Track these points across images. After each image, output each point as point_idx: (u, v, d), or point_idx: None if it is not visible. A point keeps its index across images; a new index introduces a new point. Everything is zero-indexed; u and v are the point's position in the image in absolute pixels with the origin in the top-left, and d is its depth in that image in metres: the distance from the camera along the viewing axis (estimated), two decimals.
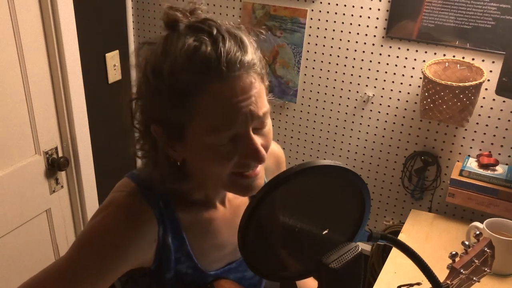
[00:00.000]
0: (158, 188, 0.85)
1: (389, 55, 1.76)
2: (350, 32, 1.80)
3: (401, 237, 1.66)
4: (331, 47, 1.85)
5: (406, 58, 1.74)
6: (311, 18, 1.85)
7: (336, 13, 1.80)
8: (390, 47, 1.75)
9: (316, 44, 1.88)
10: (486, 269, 0.98)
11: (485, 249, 0.99)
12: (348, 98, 1.89)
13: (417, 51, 1.71)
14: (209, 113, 0.74)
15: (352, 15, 1.77)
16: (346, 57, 1.84)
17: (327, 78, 1.90)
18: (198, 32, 0.75)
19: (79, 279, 0.79)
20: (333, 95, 1.92)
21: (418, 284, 0.92)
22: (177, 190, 0.87)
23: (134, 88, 0.84)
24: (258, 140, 0.77)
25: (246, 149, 0.76)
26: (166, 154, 0.82)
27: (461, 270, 0.93)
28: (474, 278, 0.96)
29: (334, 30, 1.83)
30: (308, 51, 1.90)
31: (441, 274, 0.83)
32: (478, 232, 1.01)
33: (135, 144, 0.86)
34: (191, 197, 0.90)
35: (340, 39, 1.83)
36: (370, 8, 1.74)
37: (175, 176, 0.84)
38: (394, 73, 1.78)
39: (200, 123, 0.76)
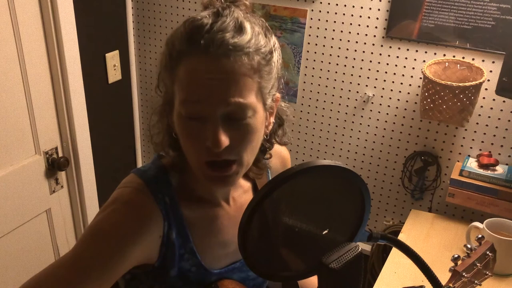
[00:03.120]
0: (169, 177, 0.87)
1: (389, 55, 1.76)
2: (350, 32, 1.80)
3: (401, 237, 1.66)
4: (331, 47, 1.85)
5: (406, 58, 1.74)
6: (311, 18, 1.85)
7: (336, 13, 1.80)
8: (390, 47, 1.75)
9: (316, 44, 1.88)
10: (487, 272, 0.98)
11: (487, 252, 0.99)
12: (348, 98, 1.89)
13: (417, 51, 1.71)
14: (184, 83, 0.77)
15: (352, 15, 1.78)
16: (346, 57, 1.84)
17: (327, 78, 1.90)
18: (214, 11, 0.78)
19: (85, 274, 0.79)
20: (333, 95, 1.92)
21: (421, 287, 0.92)
22: (180, 184, 0.88)
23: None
24: (227, 131, 0.76)
25: (207, 131, 0.76)
26: (169, 124, 0.86)
27: (463, 273, 0.93)
28: (476, 282, 0.96)
29: (334, 30, 1.83)
30: (308, 51, 1.90)
31: (441, 274, 0.83)
32: (480, 236, 1.01)
33: (153, 118, 0.89)
34: (195, 193, 0.90)
35: (340, 39, 1.83)
36: (370, 8, 1.74)
37: (173, 149, 0.87)
38: (394, 73, 1.78)
39: (178, 92, 0.78)
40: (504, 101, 1.64)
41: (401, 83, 1.78)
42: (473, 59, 1.63)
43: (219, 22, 0.75)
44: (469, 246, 0.98)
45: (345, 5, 1.77)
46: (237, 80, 0.75)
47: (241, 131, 0.77)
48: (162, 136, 0.88)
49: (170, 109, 0.82)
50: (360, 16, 1.76)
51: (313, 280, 0.72)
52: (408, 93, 1.78)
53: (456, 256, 0.94)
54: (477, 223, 1.52)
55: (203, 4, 0.81)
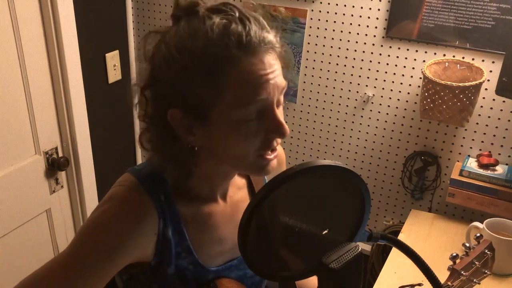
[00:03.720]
0: (164, 175, 0.86)
1: (389, 55, 1.76)
2: (350, 32, 1.80)
3: (401, 237, 1.66)
4: (331, 47, 1.85)
5: (406, 58, 1.74)
6: (311, 18, 1.85)
7: (336, 13, 1.80)
8: (390, 47, 1.75)
9: (316, 44, 1.88)
10: (486, 271, 0.99)
11: (486, 251, 0.99)
12: (348, 98, 1.89)
13: (417, 51, 1.71)
14: (240, 86, 0.77)
15: (352, 15, 1.78)
16: (346, 57, 1.84)
17: (327, 78, 1.90)
18: (221, 13, 0.78)
19: (80, 272, 0.79)
20: (333, 95, 1.92)
21: (420, 285, 0.92)
22: (179, 184, 0.88)
23: (140, 79, 0.84)
24: (280, 115, 0.81)
25: (272, 123, 0.79)
26: (180, 141, 0.83)
27: (462, 272, 0.93)
28: (474, 280, 0.97)
29: (334, 30, 1.83)
30: (308, 51, 1.90)
31: (441, 274, 0.83)
32: (478, 234, 1.01)
33: (142, 135, 0.86)
34: (192, 191, 0.91)
35: (340, 39, 1.83)
36: (370, 8, 1.74)
37: (186, 163, 0.86)
38: (394, 73, 1.78)
39: (229, 99, 0.77)
40: (504, 101, 1.64)
41: (401, 83, 1.78)
42: (473, 59, 1.63)
43: (247, 21, 0.77)
44: (467, 244, 0.98)
45: (345, 5, 1.77)
46: (279, 67, 0.80)
47: (281, 112, 0.84)
48: (176, 158, 0.84)
49: (194, 122, 0.80)
50: (360, 16, 1.76)
51: (313, 280, 0.72)
52: (408, 93, 1.78)
53: (454, 254, 0.95)
54: (477, 223, 1.52)
55: (187, 7, 0.79)
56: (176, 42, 0.78)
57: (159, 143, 0.85)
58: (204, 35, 0.76)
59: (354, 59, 1.83)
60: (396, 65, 1.76)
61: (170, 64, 0.78)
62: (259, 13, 0.83)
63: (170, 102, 0.80)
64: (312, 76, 1.93)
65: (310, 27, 1.87)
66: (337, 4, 1.79)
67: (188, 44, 0.77)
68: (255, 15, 0.81)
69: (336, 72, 1.88)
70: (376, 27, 1.75)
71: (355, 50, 1.81)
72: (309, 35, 1.88)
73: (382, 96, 1.82)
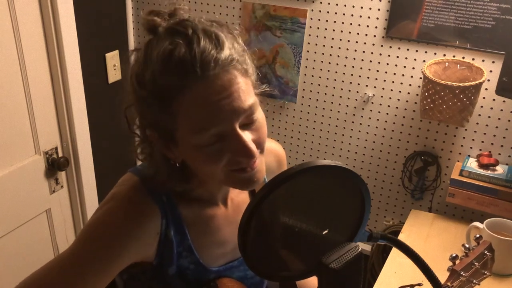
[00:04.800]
0: (162, 188, 0.85)
1: (389, 55, 1.76)
2: (350, 32, 1.80)
3: (401, 237, 1.66)
4: (331, 47, 1.85)
5: (406, 58, 1.74)
6: (311, 18, 1.85)
7: (336, 13, 1.80)
8: (390, 47, 1.75)
9: (316, 44, 1.88)
10: (486, 272, 0.99)
11: (485, 252, 0.99)
12: (348, 98, 1.89)
13: (417, 51, 1.71)
14: (190, 115, 0.75)
15: (352, 15, 1.77)
16: (346, 57, 1.84)
17: (327, 78, 1.90)
18: (174, 35, 0.75)
19: (82, 271, 0.79)
20: (333, 95, 1.92)
21: (419, 285, 0.92)
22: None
23: (128, 95, 0.84)
24: (248, 136, 0.77)
25: (234, 146, 0.76)
26: (166, 157, 0.83)
27: (462, 273, 0.93)
28: (474, 281, 0.97)
29: (334, 30, 1.83)
30: (308, 51, 1.90)
31: (441, 274, 0.83)
32: (478, 235, 1.01)
33: (136, 149, 0.87)
34: (193, 193, 0.91)
35: (340, 39, 1.83)
36: (370, 8, 1.74)
37: (177, 178, 0.85)
38: (394, 73, 1.78)
39: (184, 125, 0.76)
40: (504, 101, 1.64)
41: (401, 83, 1.78)
42: (473, 59, 1.63)
43: (195, 44, 0.73)
44: (467, 245, 0.98)
45: (345, 5, 1.77)
46: (241, 86, 0.75)
47: (257, 130, 0.79)
48: (166, 172, 0.84)
49: (167, 140, 0.80)
50: (360, 16, 1.76)
51: (313, 280, 0.72)
52: (408, 93, 1.78)
53: (454, 255, 0.95)
54: (477, 223, 1.52)
55: (148, 27, 0.78)
56: (135, 70, 0.79)
57: (151, 157, 0.85)
58: (151, 65, 0.75)
59: (354, 59, 1.83)
60: (396, 65, 1.76)
61: (134, 92, 0.80)
62: (220, 27, 0.78)
63: (146, 123, 0.82)
64: (312, 76, 1.93)
65: (310, 27, 1.86)
66: (337, 4, 1.79)
67: (141, 74, 0.77)
68: (211, 30, 0.75)
69: (336, 72, 1.88)
70: (376, 27, 1.75)
71: (355, 50, 1.81)
72: (309, 35, 1.88)
73: (382, 96, 1.82)
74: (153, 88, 0.75)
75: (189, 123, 0.75)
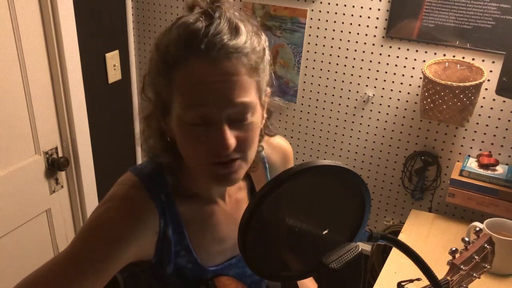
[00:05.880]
0: (160, 186, 0.86)
1: (389, 55, 1.76)
2: (350, 32, 1.80)
3: (401, 237, 1.66)
4: (331, 47, 1.85)
5: (406, 58, 1.74)
6: (311, 18, 1.85)
7: (336, 13, 1.80)
8: (390, 47, 1.75)
9: (316, 44, 1.88)
10: (486, 265, 0.98)
11: (485, 245, 0.99)
12: (348, 98, 1.89)
13: (417, 51, 1.71)
14: (184, 88, 0.76)
15: (352, 15, 1.77)
16: (346, 57, 1.84)
17: (327, 78, 1.90)
18: (203, 14, 0.77)
19: (81, 271, 0.79)
20: (333, 95, 1.92)
21: (418, 279, 0.92)
22: (176, 182, 0.89)
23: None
24: (232, 132, 0.77)
25: (213, 134, 0.76)
26: (162, 129, 0.85)
27: (461, 266, 0.93)
28: (474, 274, 0.96)
29: (334, 30, 1.83)
30: (308, 51, 1.90)
31: (441, 274, 0.83)
32: (478, 229, 1.01)
33: (143, 115, 0.89)
34: (190, 190, 0.91)
35: (340, 39, 1.83)
36: (370, 8, 1.74)
37: (170, 152, 0.86)
38: (394, 73, 1.78)
39: (177, 98, 0.78)
40: (504, 101, 1.64)
41: (401, 83, 1.78)
42: (473, 59, 1.63)
43: (214, 25, 0.74)
44: (466, 239, 0.98)
45: (345, 5, 1.77)
46: (240, 80, 0.76)
47: (245, 130, 0.79)
48: (154, 141, 0.87)
49: (164, 113, 0.82)
50: (360, 16, 1.76)
51: (310, 282, 0.73)
52: (408, 93, 1.78)
53: (453, 249, 0.94)
54: (477, 223, 1.53)
55: (188, 5, 0.80)
56: (158, 37, 0.81)
57: (149, 134, 0.88)
58: (170, 32, 0.78)
59: (354, 59, 1.83)
60: (396, 65, 1.76)
61: (151, 58, 0.82)
62: (248, 21, 0.79)
63: (152, 91, 0.84)
64: (312, 76, 1.93)
65: (310, 27, 1.86)
66: (337, 4, 1.79)
67: (161, 38, 0.80)
68: (235, 20, 0.76)
69: (336, 72, 1.88)
70: (376, 27, 1.75)
71: (355, 50, 1.81)
72: (309, 35, 1.88)
73: (382, 96, 1.82)
74: (163, 52, 0.78)
75: (181, 96, 0.77)
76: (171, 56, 0.76)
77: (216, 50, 0.74)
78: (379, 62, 1.79)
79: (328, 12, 1.81)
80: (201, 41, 0.73)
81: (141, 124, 0.90)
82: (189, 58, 0.75)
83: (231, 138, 0.76)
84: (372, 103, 1.85)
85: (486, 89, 1.64)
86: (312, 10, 1.84)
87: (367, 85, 1.84)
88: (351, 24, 1.79)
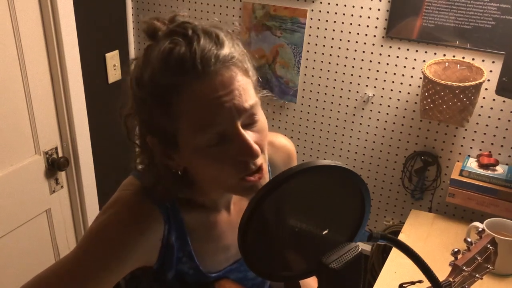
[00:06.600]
0: (164, 196, 0.84)
1: (389, 55, 1.76)
2: (350, 32, 1.80)
3: (401, 237, 1.66)
4: (331, 47, 1.85)
5: (406, 58, 1.74)
6: (311, 18, 1.85)
7: (336, 13, 1.80)
8: (390, 47, 1.75)
9: (316, 44, 1.88)
10: (489, 266, 0.98)
11: (488, 246, 0.98)
12: (348, 98, 1.89)
13: (417, 51, 1.71)
14: (192, 113, 0.74)
15: (352, 15, 1.77)
16: (346, 57, 1.84)
17: (327, 78, 1.90)
18: (173, 36, 0.75)
19: (84, 277, 0.79)
20: (333, 95, 1.92)
21: (420, 282, 0.92)
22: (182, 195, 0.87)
23: (128, 103, 0.84)
24: (250, 135, 0.76)
25: (238, 146, 0.75)
26: (166, 165, 0.82)
27: (464, 267, 0.93)
28: (477, 275, 0.96)
29: (334, 30, 1.83)
30: (308, 51, 1.90)
31: (442, 274, 0.83)
32: (480, 229, 1.00)
33: (135, 159, 0.86)
34: (196, 201, 0.90)
35: (340, 39, 1.83)
36: (370, 8, 1.74)
37: (179, 186, 0.84)
38: (394, 73, 1.78)
39: (186, 125, 0.75)
40: (504, 101, 1.64)
41: (401, 83, 1.78)
42: (473, 59, 1.63)
43: (195, 42, 0.72)
44: (469, 240, 0.97)
45: (345, 5, 1.77)
46: (241, 85, 0.75)
47: (258, 131, 0.78)
48: (166, 182, 0.83)
49: (170, 147, 0.79)
50: (360, 16, 1.76)
51: (311, 281, 0.72)
52: (408, 93, 1.78)
53: (456, 250, 0.94)
54: (477, 223, 1.53)
55: (147, 33, 0.78)
56: (135, 74, 0.78)
57: (151, 167, 0.84)
58: (150, 65, 0.74)
59: (354, 59, 1.83)
60: (396, 65, 1.76)
61: (134, 96, 0.79)
62: (219, 28, 0.77)
63: (146, 130, 0.81)
64: (312, 76, 1.93)
65: (310, 27, 1.86)
66: (337, 4, 1.79)
67: (140, 76, 0.76)
68: (211, 30, 0.75)
69: (336, 72, 1.88)
70: (376, 27, 1.75)
71: (355, 50, 1.81)
72: (309, 35, 1.88)
73: (382, 96, 1.82)
74: (153, 88, 0.75)
75: (190, 122, 0.74)
76: (164, 90, 0.73)
77: (212, 64, 0.72)
78: (379, 62, 1.79)
79: (328, 12, 1.81)
80: (194, 62, 0.71)
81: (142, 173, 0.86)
82: (187, 82, 0.72)
83: (254, 144, 0.75)
84: (372, 103, 1.85)
85: (486, 89, 1.64)
86: (312, 10, 1.84)
87: (367, 85, 1.84)
88: (351, 24, 1.79)
